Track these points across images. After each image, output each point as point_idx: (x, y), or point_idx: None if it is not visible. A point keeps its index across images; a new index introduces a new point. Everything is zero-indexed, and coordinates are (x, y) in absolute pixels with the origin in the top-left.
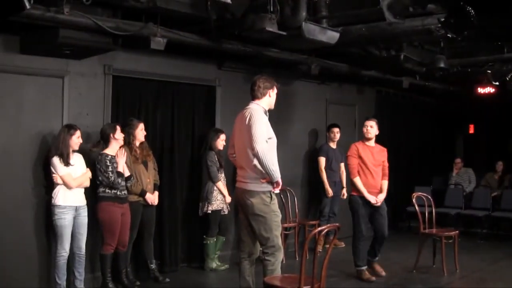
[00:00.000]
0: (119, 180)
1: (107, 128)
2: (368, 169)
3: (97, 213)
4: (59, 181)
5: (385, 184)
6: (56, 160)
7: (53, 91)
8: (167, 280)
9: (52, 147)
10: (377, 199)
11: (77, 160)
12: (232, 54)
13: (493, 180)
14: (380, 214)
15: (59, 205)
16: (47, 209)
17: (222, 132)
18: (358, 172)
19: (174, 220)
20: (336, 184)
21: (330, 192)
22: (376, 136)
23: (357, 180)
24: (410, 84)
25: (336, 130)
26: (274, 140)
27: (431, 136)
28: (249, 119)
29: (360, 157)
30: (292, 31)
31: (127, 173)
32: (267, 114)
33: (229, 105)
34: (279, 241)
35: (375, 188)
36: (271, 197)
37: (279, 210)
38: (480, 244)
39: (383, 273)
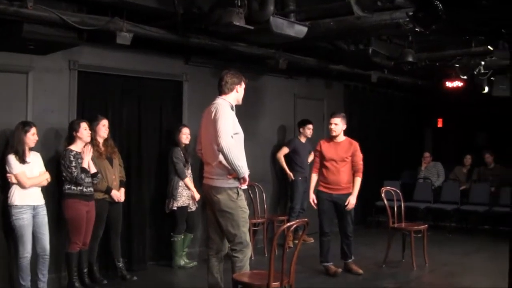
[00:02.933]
0: (83, 176)
1: (72, 125)
2: (327, 165)
3: (63, 211)
4: (13, 180)
5: (357, 182)
6: (11, 158)
7: (17, 87)
8: (135, 278)
9: (9, 144)
10: (314, 204)
11: (34, 158)
12: (199, 48)
13: (461, 174)
14: (342, 212)
15: (16, 205)
16: (3, 210)
17: (184, 126)
18: (320, 168)
19: (141, 217)
20: (306, 180)
21: (290, 175)
22: (345, 131)
23: (312, 177)
24: (379, 78)
25: (311, 126)
26: (240, 135)
27: (400, 130)
28: (215, 114)
29: (321, 154)
30: (260, 25)
31: (93, 170)
32: (234, 109)
33: (196, 100)
34: (247, 238)
35: (336, 185)
36: (238, 193)
37: (246, 206)
38: (449, 237)
39: (360, 271)
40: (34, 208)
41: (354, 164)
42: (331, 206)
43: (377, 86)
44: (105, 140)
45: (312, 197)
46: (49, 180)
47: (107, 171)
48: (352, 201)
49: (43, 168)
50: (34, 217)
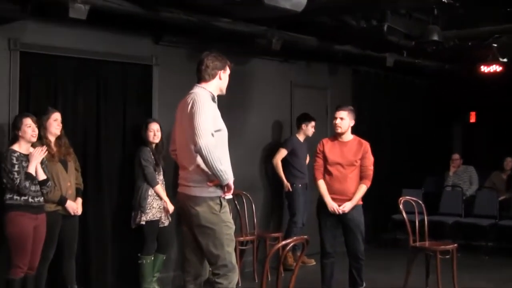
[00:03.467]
0: (27, 184)
1: (14, 121)
2: (331, 170)
3: (4, 226)
4: None
5: (360, 189)
6: None
7: None
8: None
9: None
10: (339, 209)
11: None
12: (172, 25)
13: (500, 181)
14: (348, 226)
15: None
16: None
17: (152, 121)
18: (323, 173)
19: (101, 234)
20: (307, 188)
21: (288, 185)
22: (353, 128)
23: (320, 184)
24: (396, 62)
25: (314, 123)
26: (224, 133)
27: (423, 127)
28: (191, 107)
29: (324, 156)
30: None
31: (42, 176)
32: (216, 100)
33: (169, 89)
34: (233, 259)
35: (341, 194)
36: (221, 204)
37: (232, 221)
38: (485, 260)
39: None
40: None
41: (363, 168)
42: (335, 221)
43: (393, 72)
44: (58, 138)
45: (335, 206)
46: None
47: (60, 177)
48: (347, 206)
49: None
50: None
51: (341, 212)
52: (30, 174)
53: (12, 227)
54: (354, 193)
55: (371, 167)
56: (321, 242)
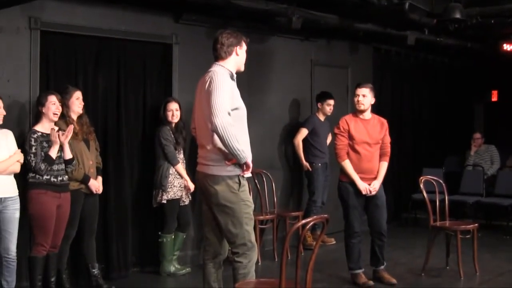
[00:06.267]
0: (42, 166)
1: (39, 98)
2: (359, 150)
3: (27, 204)
4: None
5: (383, 166)
6: None
7: None
8: None
9: None
10: (370, 188)
11: (1, 138)
12: (192, 3)
13: None
14: (376, 204)
15: None
16: None
17: (171, 100)
18: (348, 153)
19: (122, 213)
20: (327, 167)
21: (307, 165)
22: (373, 106)
23: (347, 164)
24: (417, 40)
25: (332, 102)
26: (242, 111)
27: (444, 106)
28: (209, 85)
29: (350, 135)
30: None
31: (68, 155)
32: (234, 78)
33: (189, 67)
34: (252, 238)
35: (369, 173)
36: (239, 183)
37: (251, 199)
38: (506, 240)
39: (394, 281)
40: (2, 201)
41: (383, 146)
42: (362, 200)
43: (414, 50)
44: (79, 117)
45: (367, 186)
46: (21, 161)
47: (84, 156)
48: (376, 185)
49: (14, 148)
50: (1, 212)
51: (373, 192)
52: (50, 157)
53: (34, 205)
54: (378, 171)
55: (389, 145)
56: (349, 222)
